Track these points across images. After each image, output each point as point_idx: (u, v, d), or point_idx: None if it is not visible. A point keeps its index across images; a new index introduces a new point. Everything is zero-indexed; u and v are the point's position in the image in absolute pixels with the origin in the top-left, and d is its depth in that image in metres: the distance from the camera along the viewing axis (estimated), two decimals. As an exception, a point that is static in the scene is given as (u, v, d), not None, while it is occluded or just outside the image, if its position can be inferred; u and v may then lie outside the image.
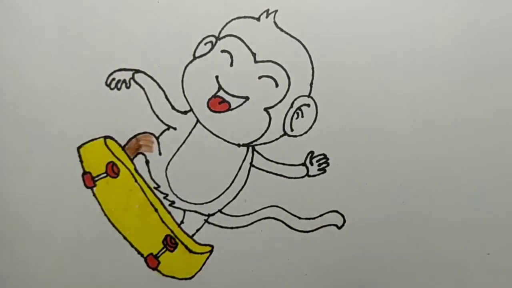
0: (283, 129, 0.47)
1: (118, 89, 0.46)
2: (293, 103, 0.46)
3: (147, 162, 0.47)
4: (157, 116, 0.47)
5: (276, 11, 0.46)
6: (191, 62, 0.46)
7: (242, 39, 0.46)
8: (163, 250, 0.48)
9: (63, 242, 0.48)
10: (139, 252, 0.48)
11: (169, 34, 0.46)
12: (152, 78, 0.46)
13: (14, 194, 0.48)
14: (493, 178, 0.46)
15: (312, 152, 0.47)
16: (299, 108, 0.46)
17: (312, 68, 0.46)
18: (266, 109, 0.46)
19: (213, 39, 0.46)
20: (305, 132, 0.47)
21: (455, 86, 0.46)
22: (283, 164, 0.47)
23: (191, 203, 0.48)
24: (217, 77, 0.46)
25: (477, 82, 0.45)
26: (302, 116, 0.46)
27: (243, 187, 0.47)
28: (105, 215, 0.48)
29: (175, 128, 0.47)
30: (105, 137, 0.47)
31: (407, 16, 0.45)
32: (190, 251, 0.48)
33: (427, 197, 0.47)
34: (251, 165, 0.47)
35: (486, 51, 0.45)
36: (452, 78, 0.46)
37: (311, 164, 0.47)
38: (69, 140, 0.47)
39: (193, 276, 0.48)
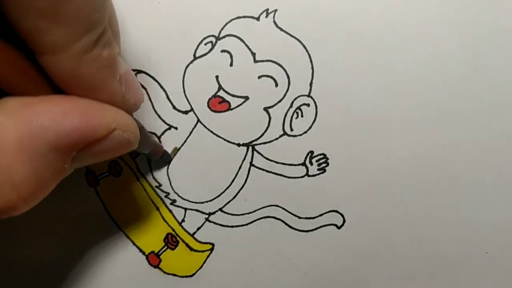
0: (283, 129, 0.47)
1: (119, 89, 0.47)
2: (292, 102, 0.46)
3: (148, 161, 0.48)
4: (159, 116, 0.47)
5: (275, 10, 0.45)
6: (191, 62, 0.46)
7: (241, 38, 0.46)
8: (164, 248, 0.49)
9: (65, 240, 0.49)
10: (140, 250, 0.49)
11: (170, 34, 0.46)
12: (153, 78, 0.47)
13: (18, 192, 0.48)
14: (493, 178, 0.46)
15: (312, 152, 0.47)
16: (299, 107, 0.46)
17: (312, 68, 0.46)
18: (266, 109, 0.46)
19: (213, 39, 0.46)
20: (305, 132, 0.47)
21: (455, 86, 0.45)
22: (283, 163, 0.47)
23: (192, 201, 0.48)
24: (217, 77, 0.46)
25: (477, 82, 0.45)
26: (302, 116, 0.46)
27: (243, 186, 0.48)
28: (108, 213, 0.48)
29: (176, 128, 0.47)
30: (107, 137, 0.47)
31: (407, 16, 0.45)
32: (191, 249, 0.48)
33: (427, 197, 0.46)
34: (251, 164, 0.47)
35: (486, 51, 0.45)
36: (452, 78, 0.45)
37: (311, 163, 0.47)
38: (71, 139, 0.47)
39: (194, 274, 0.49)
